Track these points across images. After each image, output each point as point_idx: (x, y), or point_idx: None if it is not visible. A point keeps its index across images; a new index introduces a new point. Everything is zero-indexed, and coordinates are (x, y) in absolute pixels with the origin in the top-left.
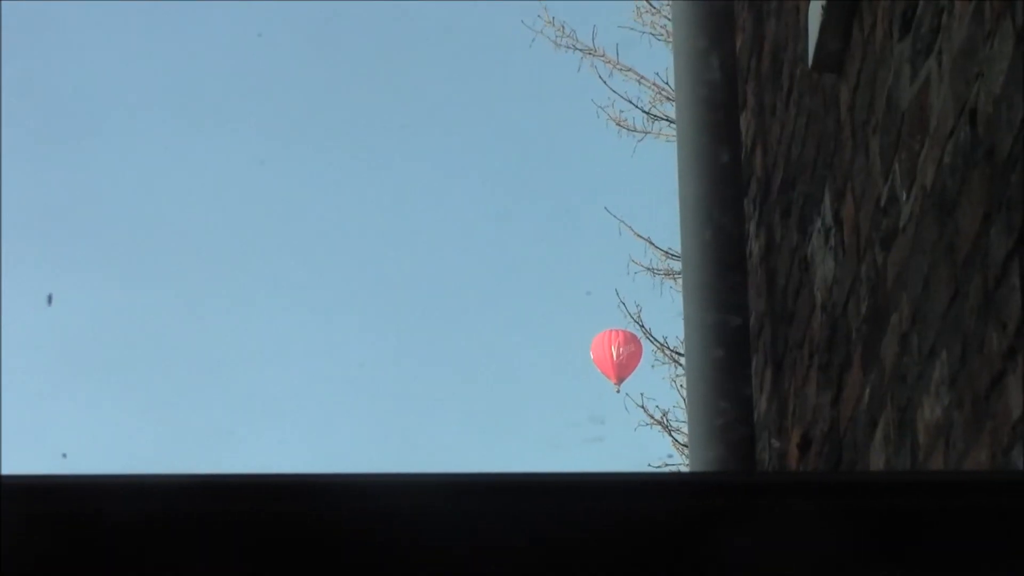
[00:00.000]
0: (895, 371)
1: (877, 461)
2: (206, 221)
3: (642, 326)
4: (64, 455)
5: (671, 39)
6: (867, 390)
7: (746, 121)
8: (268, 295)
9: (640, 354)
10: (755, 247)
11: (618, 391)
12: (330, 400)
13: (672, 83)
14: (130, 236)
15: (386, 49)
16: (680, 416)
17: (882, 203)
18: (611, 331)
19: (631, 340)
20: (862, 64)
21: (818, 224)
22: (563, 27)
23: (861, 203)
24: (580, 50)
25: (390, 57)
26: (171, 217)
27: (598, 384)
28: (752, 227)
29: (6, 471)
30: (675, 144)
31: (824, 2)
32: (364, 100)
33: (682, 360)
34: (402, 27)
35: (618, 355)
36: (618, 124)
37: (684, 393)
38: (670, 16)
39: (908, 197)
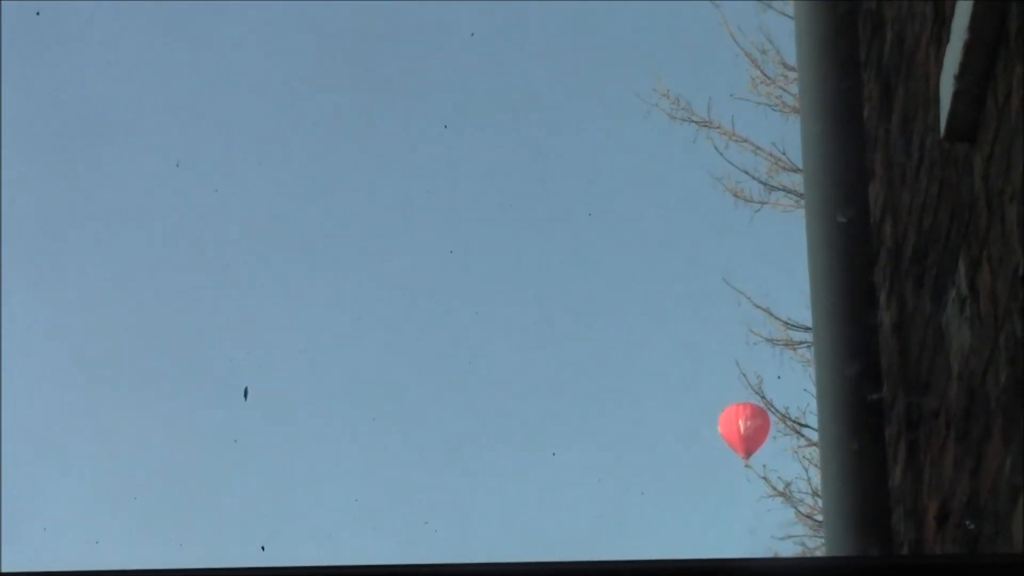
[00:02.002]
0: None
1: (1020, 534)
2: (218, 227)
3: (763, 397)
4: (263, 548)
5: (798, 109)
6: (1008, 461)
7: (875, 191)
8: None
9: (768, 427)
10: (886, 317)
11: (747, 465)
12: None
13: (788, 153)
14: (133, 239)
15: (497, 125)
16: (802, 487)
17: (1020, 272)
18: (738, 404)
19: (758, 413)
20: (997, 133)
21: (953, 294)
22: (678, 99)
23: (998, 272)
24: (695, 121)
25: (500, 133)
26: (175, 221)
27: (722, 455)
28: (883, 298)
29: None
30: (792, 214)
31: (956, 71)
32: (473, 173)
33: (804, 431)
34: (514, 101)
35: (745, 429)
36: (735, 194)
37: (806, 464)
38: (786, 87)
39: None
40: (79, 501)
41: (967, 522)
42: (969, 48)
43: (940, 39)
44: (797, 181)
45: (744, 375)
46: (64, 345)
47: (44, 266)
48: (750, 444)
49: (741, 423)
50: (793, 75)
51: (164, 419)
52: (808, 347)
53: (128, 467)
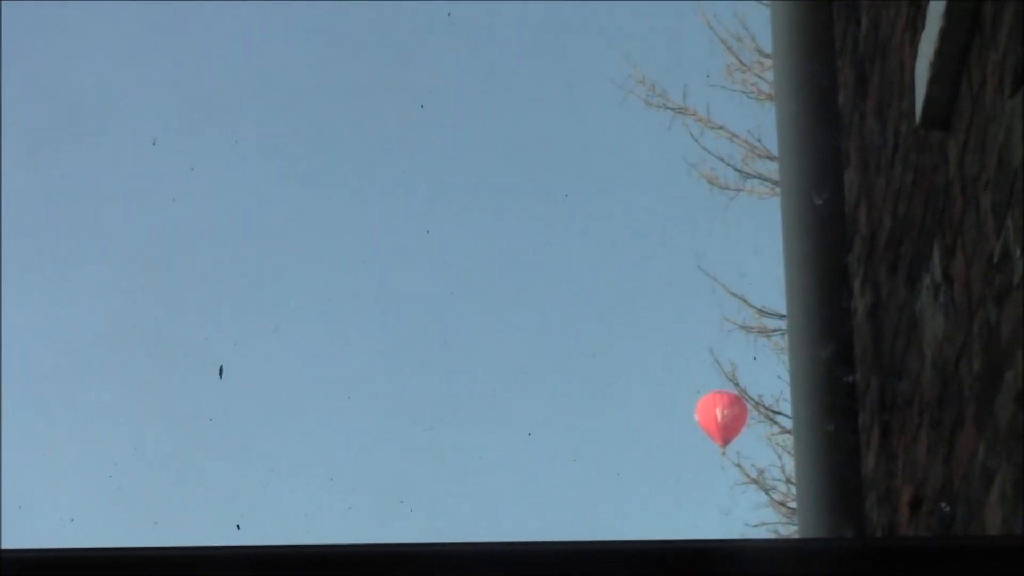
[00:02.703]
0: (1011, 429)
1: (993, 519)
2: (217, 227)
3: (737, 384)
4: (239, 527)
5: (773, 96)
6: (981, 447)
7: (850, 178)
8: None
9: (745, 416)
10: (860, 304)
11: (723, 454)
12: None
13: (764, 140)
14: (133, 238)
15: (474, 112)
16: (776, 474)
17: (995, 260)
18: (715, 393)
19: (736, 402)
20: (971, 120)
21: (927, 281)
22: (654, 86)
23: (972, 260)
24: (671, 108)
25: (477, 120)
26: (175, 221)
27: (696, 441)
28: (857, 284)
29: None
30: (767, 201)
31: (931, 58)
32: (452, 159)
33: (778, 418)
34: (491, 88)
35: (723, 417)
36: (710, 182)
37: (779, 451)
38: (761, 74)
39: (1022, 253)
40: (59, 482)
41: (942, 504)
42: (944, 35)
43: (915, 26)
44: (772, 169)
45: (718, 362)
46: (49, 333)
47: (30, 256)
48: (728, 433)
49: (719, 412)
50: (769, 62)
51: (144, 402)
52: (782, 335)
53: (108, 448)
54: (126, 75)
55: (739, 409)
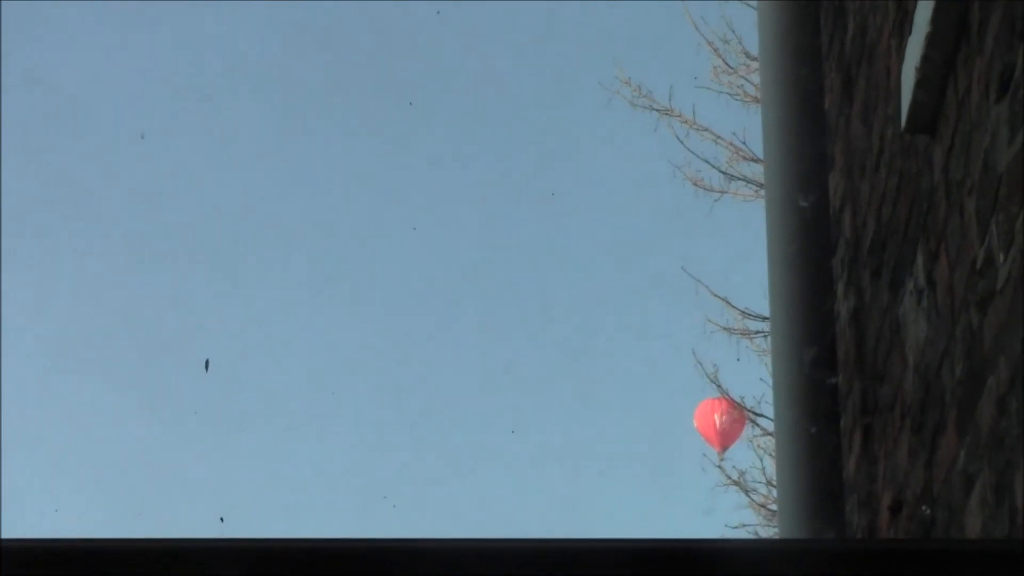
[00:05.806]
0: (992, 434)
1: (973, 524)
2: (215, 222)
3: (719, 386)
4: (222, 519)
5: (759, 99)
6: (962, 452)
7: (834, 181)
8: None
9: (743, 422)
10: (843, 308)
11: (722, 459)
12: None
13: (749, 143)
14: (132, 235)
15: (461, 110)
16: (757, 477)
17: (978, 265)
18: (714, 399)
19: (734, 408)
20: (957, 126)
21: (910, 285)
22: (639, 87)
23: (956, 265)
24: (657, 110)
25: (464, 119)
26: (172, 218)
27: (681, 443)
28: (840, 288)
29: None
30: (752, 204)
31: (918, 63)
32: (439, 157)
33: (760, 421)
34: (477, 87)
35: (721, 424)
36: (695, 184)
37: (760, 453)
38: (747, 76)
39: (1006, 259)
40: (47, 474)
41: (923, 507)
42: (931, 40)
43: (902, 31)
44: (757, 171)
45: (700, 364)
46: (40, 328)
47: (19, 253)
48: (726, 439)
49: (717, 418)
50: (755, 65)
51: (132, 396)
52: (764, 337)
53: (96, 441)
54: (121, 71)
55: (738, 415)
